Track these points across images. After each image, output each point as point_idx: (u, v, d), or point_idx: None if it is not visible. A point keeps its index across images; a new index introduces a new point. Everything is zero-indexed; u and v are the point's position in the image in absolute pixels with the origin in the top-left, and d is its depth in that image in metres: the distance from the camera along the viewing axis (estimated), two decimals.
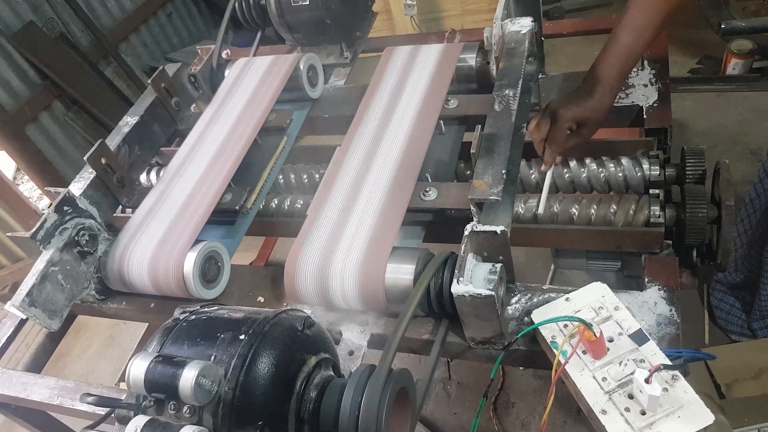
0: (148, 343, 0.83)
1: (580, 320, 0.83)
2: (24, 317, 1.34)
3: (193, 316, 0.85)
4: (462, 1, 3.27)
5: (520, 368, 2.01)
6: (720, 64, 2.87)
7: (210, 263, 1.19)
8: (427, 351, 1.04)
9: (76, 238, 1.21)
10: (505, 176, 0.94)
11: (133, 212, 1.33)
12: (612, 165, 1.19)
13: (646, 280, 1.00)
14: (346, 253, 1.04)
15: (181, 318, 0.84)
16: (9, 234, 1.20)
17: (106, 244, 1.26)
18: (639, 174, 1.19)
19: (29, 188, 4.22)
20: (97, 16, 3.52)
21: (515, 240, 1.04)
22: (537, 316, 0.93)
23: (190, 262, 1.14)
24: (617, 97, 1.29)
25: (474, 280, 0.91)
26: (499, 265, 0.93)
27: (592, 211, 1.12)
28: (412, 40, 1.70)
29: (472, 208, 0.95)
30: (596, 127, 1.13)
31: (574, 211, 1.13)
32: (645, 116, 1.25)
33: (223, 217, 1.30)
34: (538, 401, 1.92)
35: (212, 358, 0.76)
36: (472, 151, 0.97)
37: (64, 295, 1.20)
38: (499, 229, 0.92)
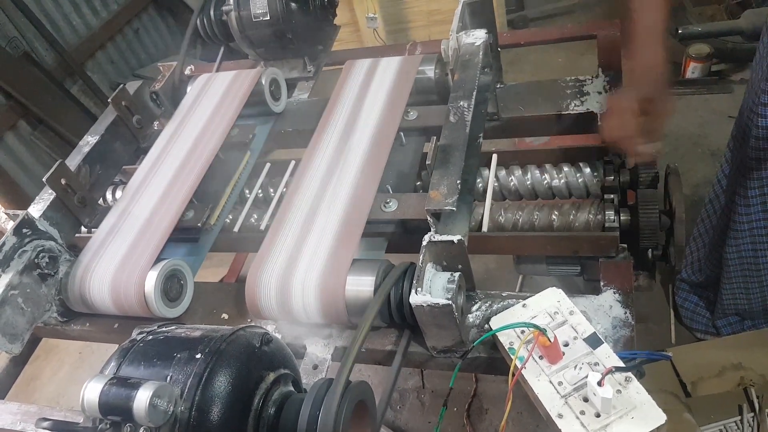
0: (104, 365, 0.82)
1: (534, 326, 0.85)
2: None
3: (150, 337, 0.84)
4: (428, 12, 3.31)
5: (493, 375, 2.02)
6: (679, 68, 2.96)
7: (172, 281, 1.18)
8: (391, 362, 1.05)
9: (35, 260, 1.19)
10: (460, 186, 0.96)
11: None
12: (571, 171, 1.22)
13: (602, 283, 1.03)
14: (306, 266, 1.04)
15: (138, 338, 0.84)
16: None
17: (68, 266, 1.25)
18: (597, 180, 1.23)
19: None
20: (62, 34, 3.48)
21: (474, 248, 1.06)
22: (495, 322, 0.94)
23: (151, 281, 1.13)
24: (573, 104, 1.34)
25: (433, 289, 0.92)
26: (457, 274, 0.94)
27: (554, 216, 1.15)
28: (373, 52, 1.72)
29: (429, 218, 0.96)
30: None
31: (535, 217, 1.16)
32: (600, 123, 1.28)
33: (186, 234, 1.29)
34: (512, 407, 1.93)
35: (168, 378, 0.76)
36: (427, 162, 0.99)
37: (25, 318, 1.18)
38: (455, 238, 0.94)
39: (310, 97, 1.70)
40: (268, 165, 1.50)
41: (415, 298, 0.90)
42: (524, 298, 0.99)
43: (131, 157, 1.56)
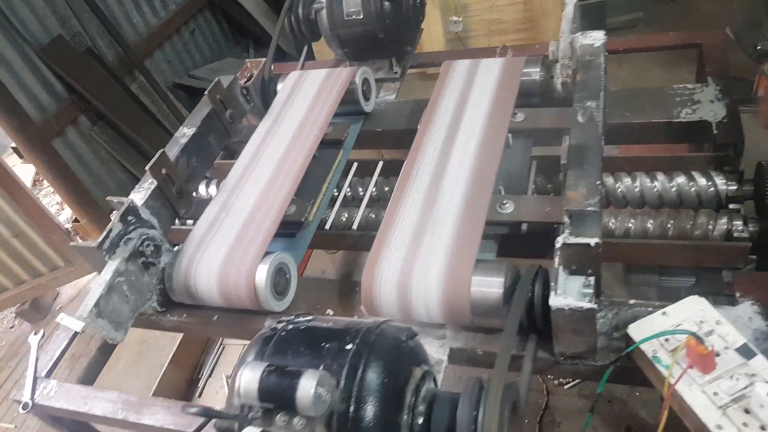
0: (245, 354, 0.81)
1: (693, 334, 0.81)
2: (80, 330, 1.32)
3: (291, 326, 0.82)
4: (488, 21, 3.30)
5: (564, 387, 1.97)
6: (751, 85, 2.88)
7: (280, 275, 1.17)
8: (510, 366, 1.02)
9: (140, 248, 1.19)
10: (600, 188, 0.93)
11: (193, 224, 1.31)
12: (683, 180, 1.19)
13: (738, 295, 0.98)
14: (426, 265, 1.02)
15: (278, 327, 0.82)
16: (72, 244, 1.18)
17: (169, 256, 1.24)
18: (712, 189, 1.18)
19: (46, 202, 4.20)
20: (123, 31, 3.54)
21: None
22: (634, 331, 0.91)
23: (262, 274, 1.12)
24: (684, 112, 1.30)
25: (568, 293, 0.89)
26: (592, 279, 0.91)
27: (669, 225, 1.11)
28: (460, 55, 1.70)
29: (566, 219, 0.93)
30: None
31: (649, 226, 1.12)
32: (715, 131, 1.24)
33: (285, 229, 1.28)
34: (584, 420, 1.88)
35: (320, 368, 0.73)
36: (562, 161, 0.96)
37: (129, 306, 1.17)
38: (593, 241, 0.91)
39: (397, 98, 1.69)
40: (355, 164, 1.49)
41: (557, 301, 0.87)
42: (656, 307, 0.95)
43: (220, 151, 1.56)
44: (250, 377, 0.70)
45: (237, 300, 1.15)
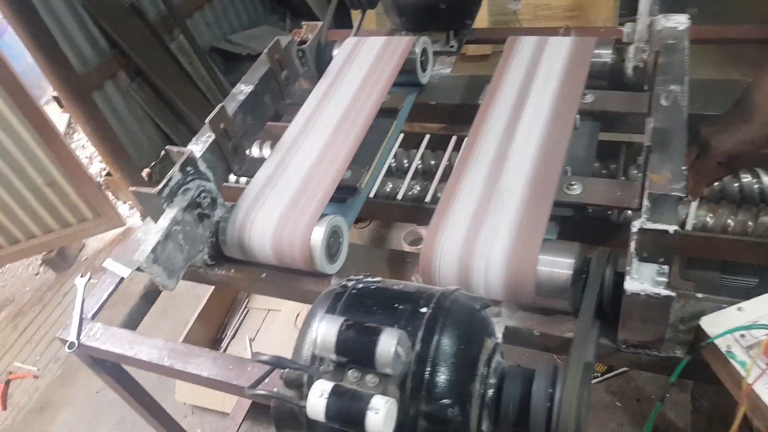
0: (314, 308, 0.80)
1: None
2: (126, 276, 1.33)
3: (361, 285, 0.81)
4: (535, 6, 3.23)
5: (592, 381, 1.95)
6: None
7: (334, 238, 1.15)
8: (564, 350, 1.00)
9: (197, 199, 1.18)
10: (684, 173, 0.90)
11: (246, 183, 1.30)
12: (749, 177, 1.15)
13: None
14: (491, 239, 1.00)
15: (349, 285, 0.81)
16: (133, 189, 1.17)
17: (223, 210, 1.23)
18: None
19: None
20: None
21: None
22: (707, 324, 0.88)
23: (318, 235, 1.11)
24: None
25: (643, 279, 0.86)
26: (666, 267, 0.88)
27: (750, 223, 1.07)
28: (520, 33, 1.66)
29: (646, 203, 0.90)
30: (753, 160, 1.07)
31: (730, 222, 1.09)
32: None
33: (338, 193, 1.26)
34: (610, 416, 1.86)
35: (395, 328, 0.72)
36: (645, 143, 0.93)
37: (182, 256, 1.17)
38: (671, 228, 0.88)
39: (452, 72, 1.66)
40: (401, 135, 1.47)
41: (633, 285, 0.85)
42: (726, 303, 0.92)
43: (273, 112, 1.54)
44: (328, 329, 0.69)
45: (290, 259, 1.14)
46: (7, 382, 3.00)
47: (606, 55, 1.32)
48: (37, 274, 3.83)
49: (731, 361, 0.83)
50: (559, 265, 0.94)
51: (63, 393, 2.84)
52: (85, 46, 3.09)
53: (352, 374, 0.70)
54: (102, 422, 2.60)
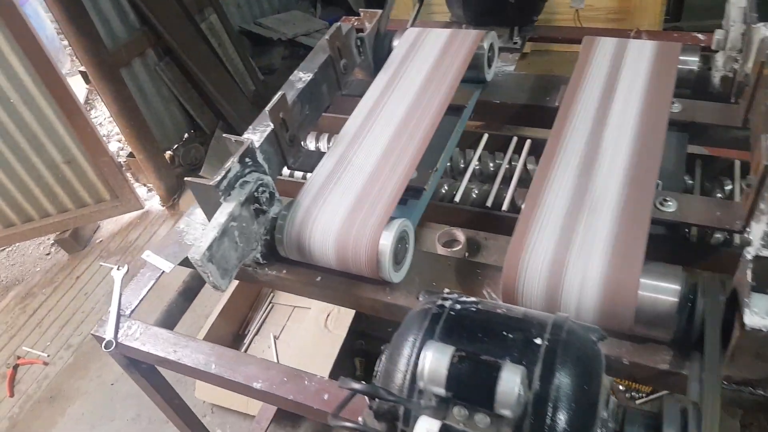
0: (406, 329, 0.72)
1: None
2: (168, 271, 1.25)
3: (458, 306, 0.73)
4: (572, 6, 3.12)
5: (636, 402, 1.88)
6: None
7: (401, 243, 1.07)
8: (655, 382, 0.92)
9: (255, 194, 1.10)
10: None
11: (302, 177, 1.22)
12: None
13: None
14: (584, 258, 0.91)
15: (446, 305, 0.73)
16: (189, 179, 1.09)
17: (279, 206, 1.15)
18: None
19: None
20: None
21: None
22: None
23: (386, 240, 1.03)
24: None
25: (763, 312, 0.78)
26: None
27: None
28: (587, 32, 1.57)
29: (759, 228, 0.82)
30: None
31: None
32: None
33: (402, 194, 1.18)
34: None
35: (507, 361, 0.64)
36: (766, 163, 0.84)
37: (237, 254, 1.09)
38: None
39: (516, 70, 1.56)
40: (485, 136, 1.38)
41: (753, 320, 0.76)
42: None
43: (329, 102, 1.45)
44: (437, 360, 0.61)
45: (353, 264, 1.06)
46: (15, 367, 2.89)
47: (692, 62, 1.24)
48: (48, 254, 3.75)
49: None
50: (663, 291, 0.86)
51: (74, 383, 2.75)
52: (115, 20, 3.00)
53: (458, 412, 0.62)
54: (116, 417, 2.51)
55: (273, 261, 1.19)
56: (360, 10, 1.62)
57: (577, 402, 0.62)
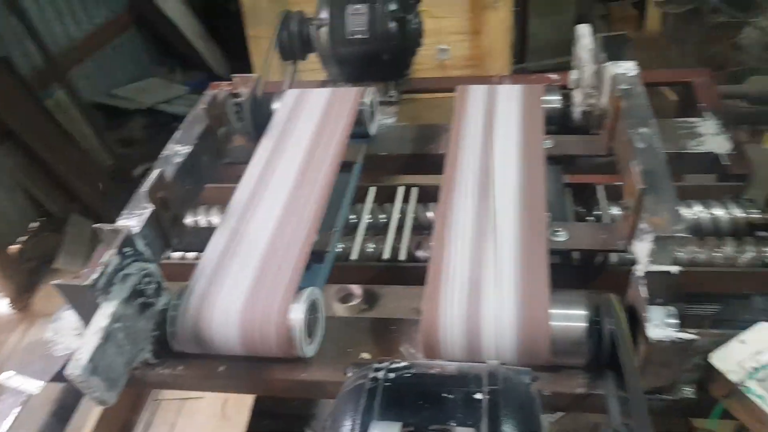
0: (339, 409, 0.66)
1: None
2: (35, 392, 1.07)
3: (392, 374, 0.69)
4: (436, 56, 3.36)
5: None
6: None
7: (312, 314, 1.01)
8: (575, 407, 0.95)
9: (140, 287, 0.98)
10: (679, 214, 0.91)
11: (197, 257, 1.12)
12: (713, 208, 1.22)
13: None
14: (496, 301, 0.93)
15: (379, 377, 0.69)
16: (56, 282, 0.94)
17: (167, 297, 1.04)
18: (730, 217, 1.23)
19: None
20: (43, 42, 3.14)
21: None
22: (718, 360, 0.88)
23: (298, 314, 0.97)
24: (690, 145, 1.35)
25: (662, 324, 0.85)
26: (673, 308, 0.87)
27: (714, 254, 1.12)
28: (457, 82, 1.67)
29: (649, 245, 0.89)
30: None
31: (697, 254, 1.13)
32: (725, 163, 1.30)
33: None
34: None
35: (453, 425, 0.61)
36: (641, 187, 0.93)
37: (123, 359, 0.95)
38: (674, 269, 0.88)
39: (396, 122, 1.61)
40: (373, 189, 1.38)
41: (657, 332, 0.82)
42: (723, 336, 0.93)
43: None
44: None
45: (261, 344, 0.98)
46: None
47: (555, 100, 1.36)
48: None
49: (750, 396, 0.83)
50: (572, 318, 0.90)
51: None
52: None
53: None
54: None
55: (164, 358, 1.06)
56: (232, 75, 1.57)
57: None
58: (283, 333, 0.96)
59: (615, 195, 1.29)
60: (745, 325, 0.93)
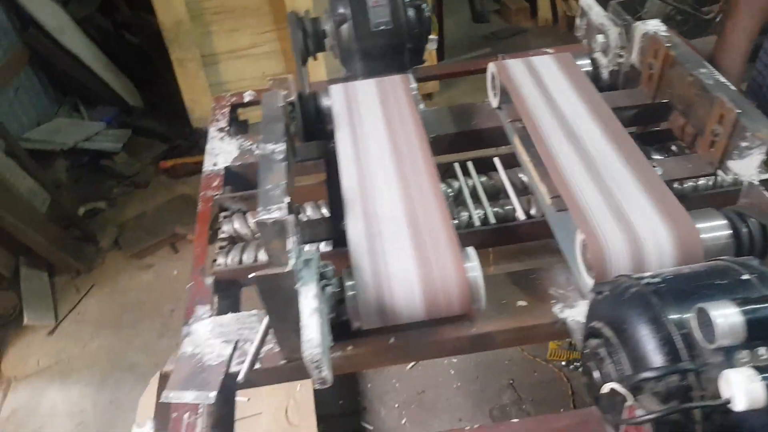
0: (627, 314, 0.75)
1: None
2: (211, 401, 1.00)
3: (657, 278, 0.78)
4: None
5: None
6: None
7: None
8: None
9: (321, 270, 0.97)
10: None
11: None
12: None
13: None
14: (645, 222, 1.03)
15: (652, 282, 0.77)
16: (253, 274, 0.89)
17: (334, 279, 1.03)
18: None
19: None
20: None
21: None
22: None
23: (475, 268, 1.02)
24: None
25: None
26: None
27: None
28: (459, 67, 1.79)
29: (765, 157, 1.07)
30: None
31: None
32: None
33: None
34: None
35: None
36: (737, 111, 1.09)
37: (329, 338, 0.96)
38: None
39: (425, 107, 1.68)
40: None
41: None
42: None
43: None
44: (725, 314, 0.65)
45: (445, 305, 1.01)
46: None
47: (586, 64, 1.53)
48: None
49: None
50: (717, 228, 1.04)
51: None
52: None
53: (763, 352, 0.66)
54: None
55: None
56: (269, 78, 1.55)
57: None
58: (465, 289, 1.00)
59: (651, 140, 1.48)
60: None
